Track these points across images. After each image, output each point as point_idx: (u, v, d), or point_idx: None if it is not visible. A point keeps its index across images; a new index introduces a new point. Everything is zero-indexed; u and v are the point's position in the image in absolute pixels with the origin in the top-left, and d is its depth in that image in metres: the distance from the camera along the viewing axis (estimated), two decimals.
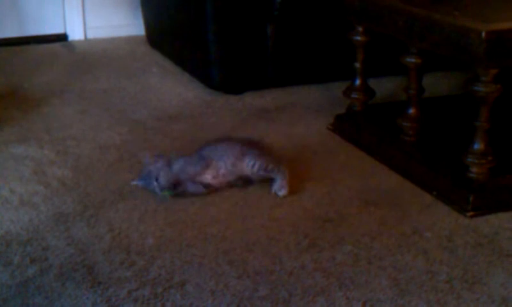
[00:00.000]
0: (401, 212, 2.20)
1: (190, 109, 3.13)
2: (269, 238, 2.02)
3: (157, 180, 2.22)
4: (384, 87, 3.28)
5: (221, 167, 2.29)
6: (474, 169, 2.22)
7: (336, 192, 2.33)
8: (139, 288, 1.77)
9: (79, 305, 1.71)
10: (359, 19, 2.68)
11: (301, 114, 3.07)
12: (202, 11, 3.21)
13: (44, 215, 2.14)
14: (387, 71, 3.32)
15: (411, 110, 2.54)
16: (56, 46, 4.21)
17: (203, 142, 2.42)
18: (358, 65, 2.77)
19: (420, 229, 2.09)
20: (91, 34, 4.37)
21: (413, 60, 2.49)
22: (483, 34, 2.01)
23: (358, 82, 2.79)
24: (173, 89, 3.39)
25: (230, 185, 2.31)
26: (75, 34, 4.34)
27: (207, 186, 2.27)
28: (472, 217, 2.17)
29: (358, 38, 2.72)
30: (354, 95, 2.81)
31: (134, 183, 2.29)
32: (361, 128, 2.74)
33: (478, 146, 2.21)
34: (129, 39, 4.33)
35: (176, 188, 2.24)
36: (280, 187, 2.29)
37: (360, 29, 2.70)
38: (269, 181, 2.32)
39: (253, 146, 2.37)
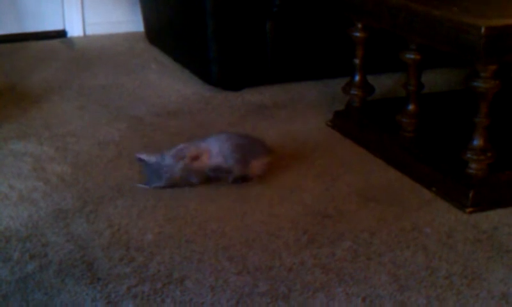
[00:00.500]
0: (400, 208, 2.20)
1: (189, 106, 3.12)
2: (269, 234, 2.02)
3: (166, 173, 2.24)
4: (384, 83, 3.28)
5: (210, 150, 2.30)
6: (473, 165, 2.22)
7: (335, 188, 2.33)
8: (139, 284, 1.77)
9: (78, 301, 1.71)
10: (358, 15, 2.68)
11: (300, 111, 3.07)
12: (201, 8, 3.21)
13: (43, 212, 2.14)
14: (386, 68, 3.32)
15: (411, 107, 2.54)
16: (55, 42, 4.21)
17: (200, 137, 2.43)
18: (357, 61, 2.77)
19: (419, 225, 2.09)
20: (90, 31, 4.37)
21: (412, 56, 2.49)
22: (482, 29, 2.01)
23: (357, 78, 2.79)
24: (172, 85, 3.39)
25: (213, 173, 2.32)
26: (74, 30, 4.34)
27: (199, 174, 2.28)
28: (471, 213, 2.17)
29: (357, 34, 2.72)
30: (353, 91, 2.81)
31: (139, 185, 2.29)
32: (361, 124, 2.74)
33: (477, 142, 2.21)
34: (128, 36, 4.32)
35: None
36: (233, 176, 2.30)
37: (359, 25, 2.70)
38: (268, 178, 2.32)
39: (243, 144, 2.37)
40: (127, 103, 3.15)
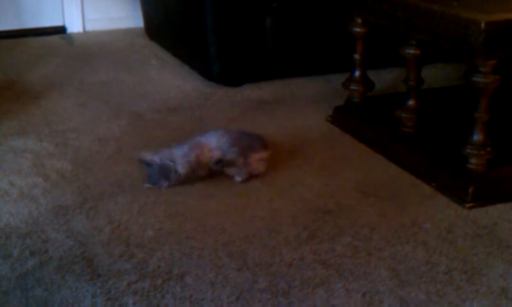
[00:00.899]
0: (400, 203, 2.20)
1: (189, 101, 3.12)
2: (269, 230, 2.02)
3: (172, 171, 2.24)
4: (384, 78, 3.27)
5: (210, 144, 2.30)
6: (473, 160, 2.22)
7: (335, 183, 2.33)
8: (139, 280, 1.77)
9: (78, 297, 1.71)
10: (358, 10, 2.68)
11: (300, 106, 3.06)
12: (201, 3, 3.21)
13: (43, 208, 2.14)
14: (386, 63, 3.32)
15: (411, 102, 2.54)
16: (55, 38, 4.20)
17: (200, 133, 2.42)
18: (357, 57, 2.77)
19: (419, 221, 2.09)
20: (90, 27, 4.36)
21: (412, 51, 2.49)
22: (482, 24, 2.01)
23: (357, 73, 2.79)
24: (172, 81, 3.39)
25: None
26: (74, 26, 4.34)
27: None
28: (471, 208, 2.17)
29: (357, 29, 2.72)
30: (353, 87, 2.81)
31: (147, 185, 2.29)
32: (360, 119, 2.74)
33: (477, 137, 2.21)
34: (128, 32, 4.32)
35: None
36: (238, 173, 2.29)
37: (359, 20, 2.70)
38: (267, 173, 2.33)
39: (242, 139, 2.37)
40: (127, 99, 3.14)
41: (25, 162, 2.46)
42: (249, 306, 1.69)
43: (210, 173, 2.31)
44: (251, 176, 2.32)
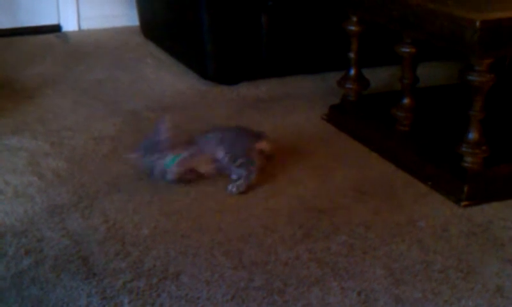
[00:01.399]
0: (396, 201, 2.21)
1: (184, 100, 3.12)
2: (264, 229, 2.02)
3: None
4: (379, 77, 3.27)
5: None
6: (468, 159, 2.23)
7: (330, 182, 2.33)
8: (134, 279, 1.77)
9: (73, 296, 1.71)
10: (353, 9, 2.68)
11: (295, 105, 3.06)
12: (196, 2, 3.20)
13: (39, 207, 2.14)
14: (382, 61, 3.32)
15: (406, 100, 2.54)
16: (50, 37, 4.19)
17: (197, 132, 2.42)
18: (352, 55, 2.77)
19: (414, 219, 2.09)
20: (85, 25, 4.35)
21: (407, 50, 2.49)
22: (477, 23, 2.01)
23: (352, 72, 2.79)
24: (168, 79, 3.39)
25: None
26: (69, 25, 4.33)
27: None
28: (466, 206, 2.17)
29: (353, 27, 2.72)
30: (348, 85, 2.81)
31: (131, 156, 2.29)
32: (356, 118, 2.74)
33: (472, 135, 2.22)
34: (123, 30, 4.31)
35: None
36: (235, 185, 2.24)
37: (355, 18, 2.70)
38: (263, 172, 2.33)
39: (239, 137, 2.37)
40: (123, 98, 3.14)
41: (20, 161, 2.46)
42: (245, 305, 1.69)
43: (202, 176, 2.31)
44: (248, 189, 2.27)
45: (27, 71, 3.51)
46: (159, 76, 3.44)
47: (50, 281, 1.76)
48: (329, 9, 3.21)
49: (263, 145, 2.37)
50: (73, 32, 4.31)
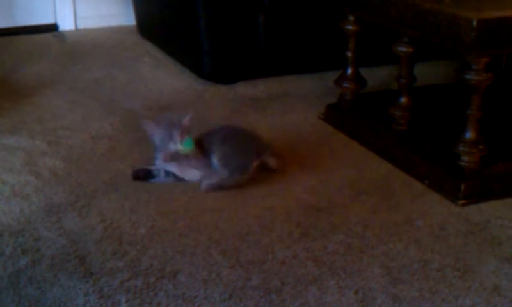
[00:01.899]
0: (393, 200, 2.21)
1: (182, 99, 3.12)
2: (262, 228, 2.02)
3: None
4: (376, 76, 3.28)
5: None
6: (466, 158, 2.23)
7: (328, 181, 2.33)
8: (132, 279, 1.77)
9: (71, 296, 1.71)
10: (351, 8, 2.68)
11: (292, 104, 3.06)
12: (193, 1, 3.20)
13: (36, 206, 2.13)
14: (379, 61, 3.32)
15: (403, 99, 2.55)
16: (47, 36, 4.19)
17: (196, 132, 2.42)
18: (349, 54, 2.77)
19: (411, 218, 2.09)
20: (82, 24, 4.35)
21: (404, 49, 2.49)
22: (474, 22, 2.01)
23: (349, 71, 2.79)
24: (165, 79, 3.38)
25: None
26: (66, 24, 4.32)
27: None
28: (463, 205, 2.17)
29: (350, 27, 2.72)
30: (345, 84, 2.81)
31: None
32: (353, 117, 2.74)
33: (469, 134, 2.22)
34: (120, 29, 4.31)
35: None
36: (208, 181, 2.24)
37: (352, 18, 2.70)
38: (260, 171, 2.33)
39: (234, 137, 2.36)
40: (120, 97, 3.14)
41: (17, 160, 2.45)
42: (242, 304, 1.69)
43: None
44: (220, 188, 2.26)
45: (24, 70, 3.51)
46: (156, 75, 3.44)
47: (48, 281, 1.76)
48: (327, 8, 3.21)
49: (265, 160, 2.35)
50: (70, 31, 4.31)
